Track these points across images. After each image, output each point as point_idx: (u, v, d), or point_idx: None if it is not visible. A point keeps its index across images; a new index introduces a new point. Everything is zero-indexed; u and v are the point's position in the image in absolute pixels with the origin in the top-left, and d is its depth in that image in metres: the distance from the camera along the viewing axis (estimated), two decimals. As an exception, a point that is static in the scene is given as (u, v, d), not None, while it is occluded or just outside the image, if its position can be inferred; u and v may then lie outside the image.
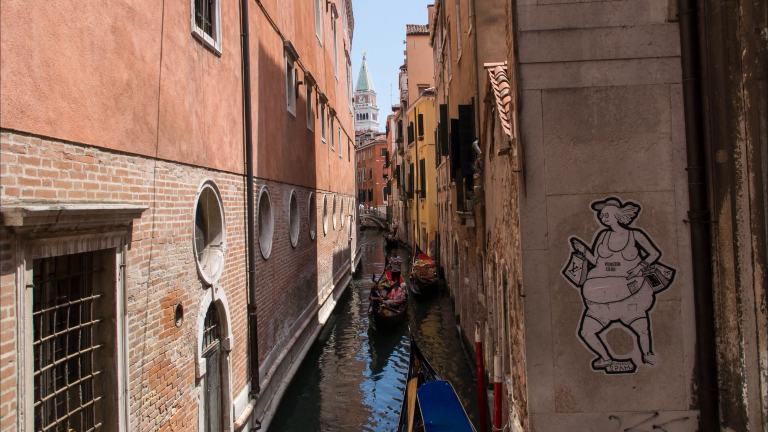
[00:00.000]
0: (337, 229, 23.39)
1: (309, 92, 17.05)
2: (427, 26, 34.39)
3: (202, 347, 7.42)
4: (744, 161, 4.14)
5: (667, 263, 4.82)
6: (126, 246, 5.33)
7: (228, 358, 8.35)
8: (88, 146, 4.80)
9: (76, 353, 4.80)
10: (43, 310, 4.35)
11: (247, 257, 9.58)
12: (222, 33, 8.54)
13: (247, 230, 9.52)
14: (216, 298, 7.88)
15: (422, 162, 32.57)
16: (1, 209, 3.71)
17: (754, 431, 4.14)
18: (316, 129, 18.11)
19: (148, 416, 5.72)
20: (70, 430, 4.67)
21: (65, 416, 4.61)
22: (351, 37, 36.91)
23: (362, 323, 19.55)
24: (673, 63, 4.85)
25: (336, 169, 23.97)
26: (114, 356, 5.10)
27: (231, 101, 8.99)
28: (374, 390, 13.03)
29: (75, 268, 4.83)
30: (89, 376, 4.93)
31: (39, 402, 4.25)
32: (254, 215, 9.95)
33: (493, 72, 7.71)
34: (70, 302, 4.73)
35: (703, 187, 4.62)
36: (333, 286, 21.00)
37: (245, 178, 9.60)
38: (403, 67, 45.80)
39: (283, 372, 12.00)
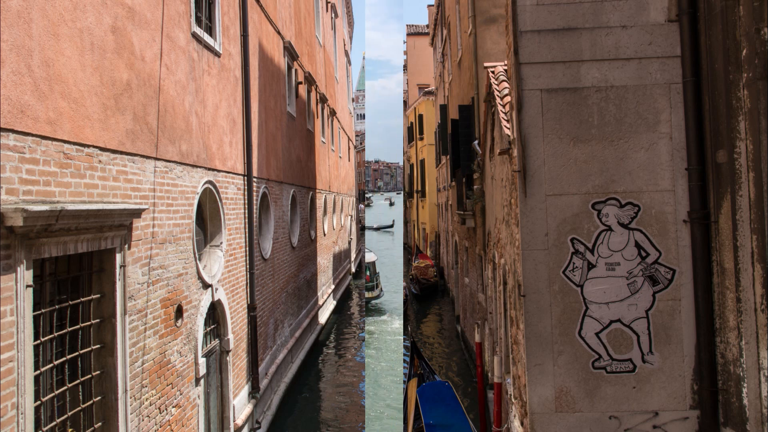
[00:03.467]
0: (337, 229, 23.38)
1: (309, 92, 17.05)
2: (427, 26, 34.38)
3: (202, 347, 7.42)
4: (744, 161, 4.14)
5: (667, 263, 4.81)
6: (126, 246, 5.33)
7: (228, 358, 8.35)
8: (88, 146, 4.80)
9: (76, 353, 4.80)
10: (43, 310, 4.35)
11: (247, 257, 9.58)
12: (222, 33, 8.54)
13: (247, 230, 9.52)
14: (216, 298, 7.88)
15: (422, 162, 32.57)
16: (1, 209, 3.71)
17: (754, 431, 4.14)
18: (316, 129, 18.11)
19: (148, 416, 5.72)
20: (70, 430, 4.67)
21: (65, 416, 4.61)
22: (351, 37, 36.89)
23: (362, 323, 19.55)
24: (673, 63, 4.85)
25: (336, 169, 23.96)
26: (114, 356, 5.10)
27: (231, 101, 8.99)
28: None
29: (75, 268, 4.83)
30: (89, 376, 4.93)
31: (39, 402, 4.24)
32: (254, 215, 9.95)
33: (493, 72, 7.71)
34: (70, 302, 4.73)
35: (703, 187, 4.62)
36: (333, 286, 20.99)
37: (245, 178, 9.60)
38: (403, 67, 45.82)
39: (283, 372, 11.99)
